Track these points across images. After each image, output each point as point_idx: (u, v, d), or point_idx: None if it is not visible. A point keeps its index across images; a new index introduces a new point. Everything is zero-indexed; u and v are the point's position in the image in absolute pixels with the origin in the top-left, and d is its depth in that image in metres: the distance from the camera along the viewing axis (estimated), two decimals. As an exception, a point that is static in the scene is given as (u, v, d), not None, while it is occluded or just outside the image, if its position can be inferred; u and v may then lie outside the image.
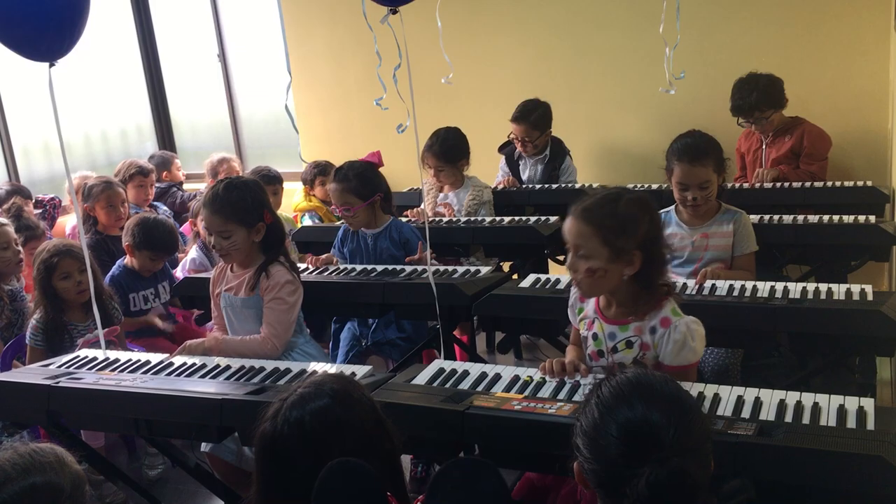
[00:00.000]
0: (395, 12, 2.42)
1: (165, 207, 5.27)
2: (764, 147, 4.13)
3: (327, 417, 1.57)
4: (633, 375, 1.38)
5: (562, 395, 2.05)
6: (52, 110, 2.71)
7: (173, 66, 6.71)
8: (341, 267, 3.43)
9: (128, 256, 3.88)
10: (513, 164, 4.70)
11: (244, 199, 2.82)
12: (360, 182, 3.41)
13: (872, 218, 3.26)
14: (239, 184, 2.87)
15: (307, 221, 5.16)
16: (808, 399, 1.89)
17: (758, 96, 3.96)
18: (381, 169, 3.55)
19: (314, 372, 2.40)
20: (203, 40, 6.42)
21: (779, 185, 3.96)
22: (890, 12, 4.06)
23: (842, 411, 1.82)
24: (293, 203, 5.28)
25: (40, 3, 2.54)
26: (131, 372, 2.57)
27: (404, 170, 4.83)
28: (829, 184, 3.86)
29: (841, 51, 4.28)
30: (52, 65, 2.67)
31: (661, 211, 3.17)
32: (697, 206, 2.99)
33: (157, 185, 5.50)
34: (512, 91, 4.75)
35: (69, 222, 5.14)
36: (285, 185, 4.94)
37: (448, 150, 4.11)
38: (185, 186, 5.89)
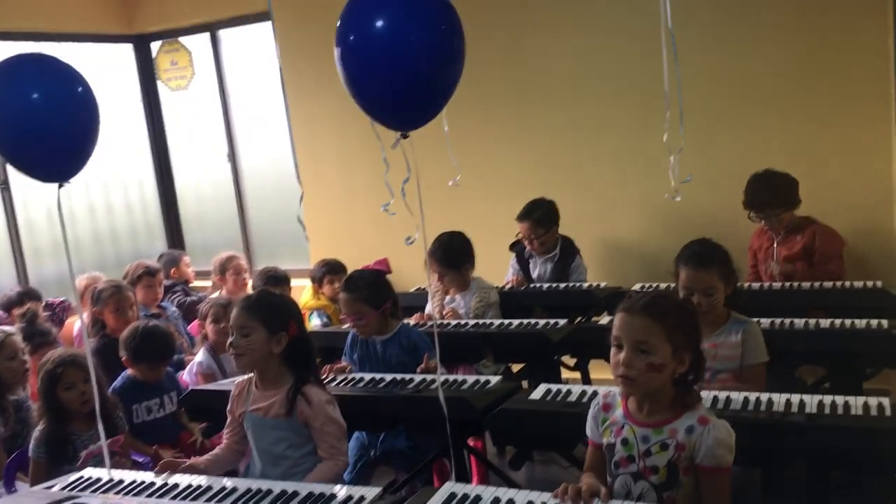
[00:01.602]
0: (405, 137, 2.46)
1: (174, 308, 5.28)
2: (775, 245, 4.13)
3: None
4: None
5: (577, 525, 1.99)
6: (61, 228, 2.74)
7: (183, 165, 6.82)
8: (349, 377, 3.40)
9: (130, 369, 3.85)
10: (523, 263, 4.73)
11: (275, 305, 2.87)
12: (370, 291, 3.44)
13: (885, 322, 3.23)
14: (275, 294, 3.03)
15: (315, 320, 5.16)
16: (831, 530, 1.84)
17: (771, 194, 4.00)
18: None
19: (322, 495, 2.35)
20: (213, 141, 6.55)
21: (787, 285, 3.95)
22: (891, 109, 4.13)
23: (867, 545, 1.76)
24: (301, 300, 5.29)
25: (50, 127, 2.59)
26: (136, 495, 2.52)
27: (411, 270, 4.84)
28: (839, 284, 3.84)
29: (846, 150, 4.34)
30: (61, 185, 2.70)
31: None
32: (703, 313, 2.98)
33: (167, 281, 5.55)
34: (518, 191, 4.81)
35: (77, 323, 5.14)
36: (294, 282, 4.95)
37: (451, 256, 4.15)
38: (195, 283, 5.92)
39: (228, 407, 2.97)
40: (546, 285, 4.51)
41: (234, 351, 2.85)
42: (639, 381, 2.11)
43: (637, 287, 4.30)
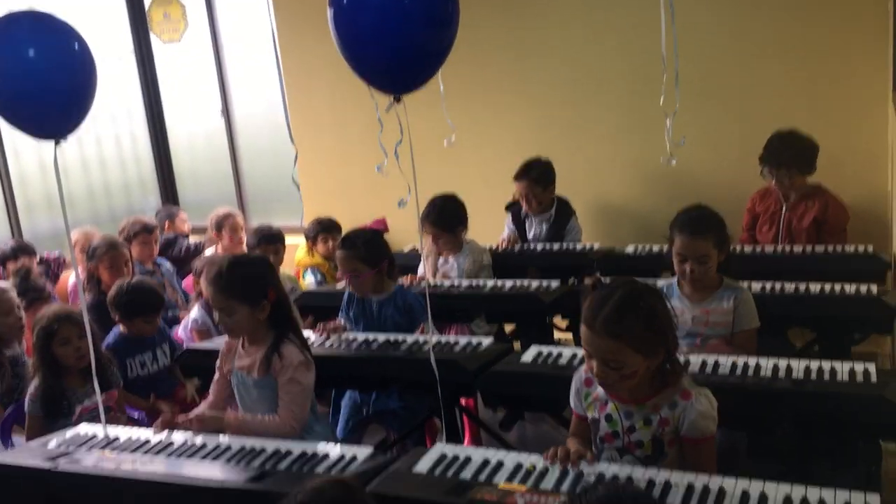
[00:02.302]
0: (398, 101, 2.44)
1: (169, 265, 5.28)
2: (784, 211, 4.11)
3: (328, 527, 1.56)
4: (605, 494, 1.39)
5: (565, 487, 2.03)
6: (57, 185, 2.73)
7: (177, 121, 6.77)
8: (342, 338, 3.42)
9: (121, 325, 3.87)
10: (519, 223, 4.73)
11: (248, 278, 2.82)
12: (367, 250, 3.45)
13: (874, 287, 3.25)
14: (244, 261, 2.88)
15: (309, 277, 5.17)
16: (813, 494, 1.88)
17: (793, 154, 3.96)
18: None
19: (314, 455, 2.39)
20: (207, 95, 6.49)
21: (780, 249, 3.96)
22: (887, 75, 4.10)
23: (848, 509, 1.81)
24: (295, 258, 5.30)
25: (46, 83, 2.57)
26: (132, 452, 2.56)
27: (405, 230, 4.85)
28: (831, 249, 3.86)
29: (841, 114, 4.31)
30: (57, 143, 2.69)
31: (663, 283, 3.18)
32: (695, 280, 3.01)
33: (164, 235, 5.57)
34: (514, 151, 4.79)
35: (72, 278, 5.14)
36: (288, 239, 4.95)
37: (444, 218, 4.15)
38: (190, 239, 5.92)
39: (218, 363, 3.00)
40: (540, 246, 4.52)
41: (224, 329, 2.89)
42: (616, 386, 2.15)
43: (630, 249, 4.32)
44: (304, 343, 2.92)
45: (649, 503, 1.39)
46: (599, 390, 2.25)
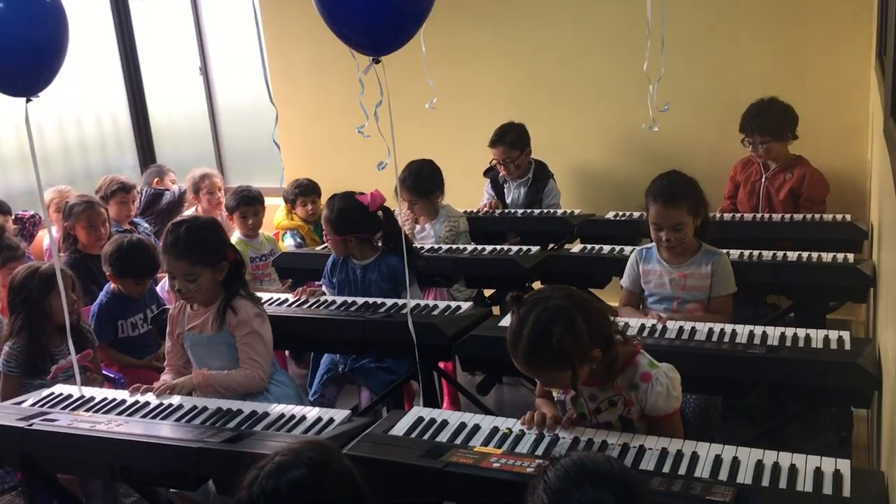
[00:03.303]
0: (377, 62, 2.41)
1: (146, 225, 5.23)
2: (763, 180, 4.12)
3: (304, 488, 1.56)
4: (578, 459, 1.42)
5: (540, 450, 2.05)
6: (29, 145, 2.68)
7: (155, 79, 6.65)
8: (322, 300, 3.41)
9: (112, 283, 3.83)
10: (498, 188, 4.72)
11: (207, 241, 2.80)
12: (337, 217, 3.47)
13: (851, 256, 3.27)
14: (199, 225, 2.84)
15: (288, 240, 5.14)
16: (785, 460, 1.90)
17: (770, 121, 3.96)
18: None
19: (292, 417, 2.39)
20: (185, 53, 6.38)
21: (759, 216, 3.98)
22: (871, 44, 4.10)
23: (818, 474, 1.83)
24: (274, 220, 5.26)
25: (17, 39, 2.51)
26: (106, 412, 2.55)
27: (385, 192, 4.80)
28: (809, 217, 3.88)
29: (823, 83, 4.31)
30: (29, 100, 2.64)
31: (644, 247, 3.19)
32: (671, 247, 3.02)
33: (151, 188, 5.52)
34: (495, 115, 4.76)
35: (47, 238, 5.08)
36: (267, 200, 4.91)
37: (421, 183, 4.13)
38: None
39: (168, 329, 2.98)
40: (520, 212, 4.51)
41: (183, 296, 2.84)
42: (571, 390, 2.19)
43: (610, 215, 4.32)
44: (254, 297, 2.94)
45: (618, 466, 1.40)
46: None
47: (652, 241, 3.15)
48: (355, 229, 3.47)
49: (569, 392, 2.22)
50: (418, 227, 4.26)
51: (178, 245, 2.76)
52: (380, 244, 3.54)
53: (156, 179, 5.67)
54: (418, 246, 4.05)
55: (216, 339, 2.84)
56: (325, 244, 4.14)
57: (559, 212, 4.43)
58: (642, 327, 2.79)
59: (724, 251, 3.17)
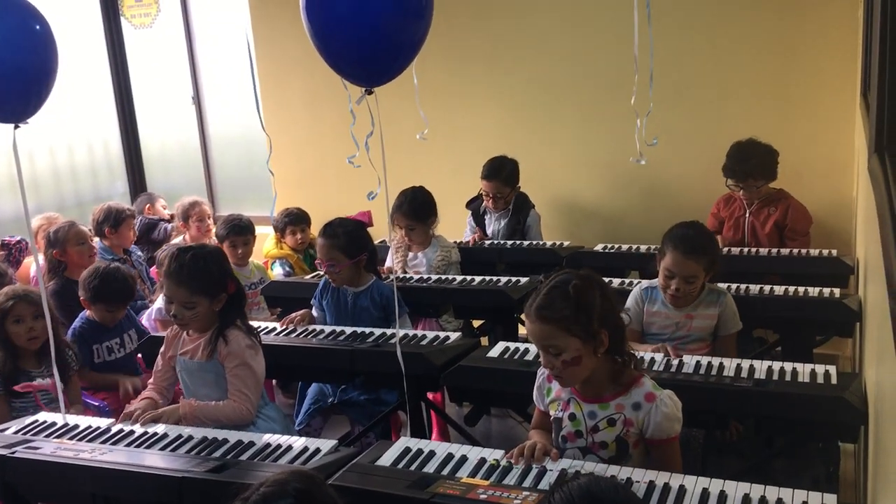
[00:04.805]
0: (370, 93, 2.43)
1: (140, 253, 5.22)
2: (747, 216, 4.16)
3: (289, 519, 1.55)
4: (585, 484, 1.41)
5: (528, 483, 2.04)
6: (17, 172, 2.68)
7: (147, 107, 6.68)
8: (310, 329, 3.40)
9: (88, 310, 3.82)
10: (478, 219, 4.76)
11: (210, 271, 2.80)
12: (347, 240, 3.45)
13: (837, 291, 3.30)
14: (205, 254, 2.84)
15: (277, 269, 5.13)
16: (772, 494, 1.89)
17: (755, 164, 4.00)
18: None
19: (278, 447, 2.38)
20: (178, 82, 6.42)
21: (747, 251, 4.01)
22: (856, 81, 4.16)
23: (805, 510, 1.83)
24: (264, 248, 5.25)
25: (5, 66, 2.51)
26: (90, 440, 2.52)
27: (375, 222, 4.82)
28: (796, 252, 3.91)
29: (809, 119, 4.37)
30: (17, 126, 2.64)
31: (648, 286, 3.17)
32: (677, 298, 3.01)
33: (145, 217, 5.56)
34: (484, 147, 4.79)
35: (34, 265, 5.05)
36: (257, 229, 4.91)
37: (418, 208, 4.14)
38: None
39: (161, 349, 2.98)
40: (510, 243, 4.53)
41: (178, 321, 2.84)
42: (565, 377, 2.15)
43: (599, 247, 4.34)
44: (250, 329, 2.92)
45: (623, 495, 1.39)
46: (563, 389, 2.25)
47: (652, 280, 3.12)
48: (365, 247, 3.49)
49: (567, 408, 2.21)
50: (411, 254, 4.26)
51: (181, 272, 2.76)
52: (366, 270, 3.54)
53: (147, 206, 5.67)
54: (409, 275, 4.06)
55: (205, 367, 2.83)
56: (315, 273, 4.14)
57: (548, 243, 4.45)
58: (641, 359, 2.77)
59: (725, 286, 3.17)
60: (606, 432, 2.15)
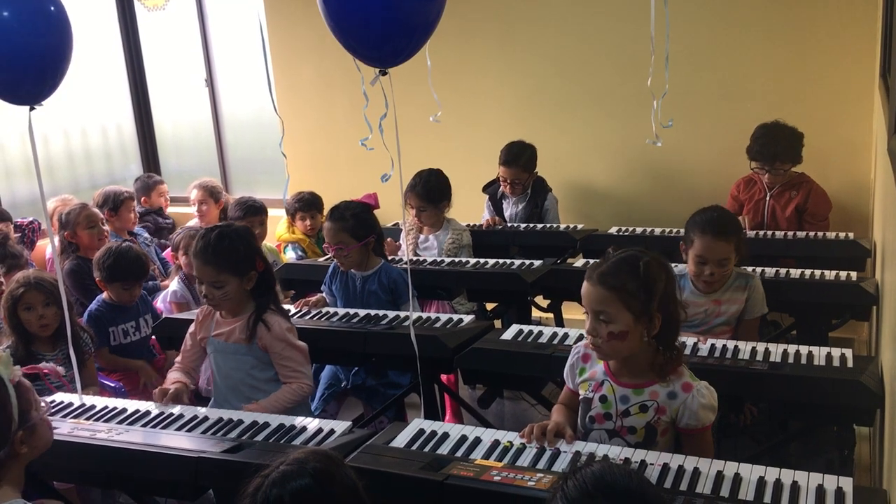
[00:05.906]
0: (384, 73, 2.41)
1: (147, 235, 5.23)
2: (768, 199, 4.13)
3: (307, 498, 1.56)
4: (598, 470, 1.40)
5: (542, 464, 2.04)
6: (32, 153, 2.69)
7: (160, 89, 6.69)
8: (323, 312, 3.41)
9: (104, 291, 3.84)
10: (496, 203, 4.73)
11: (237, 249, 2.78)
12: (355, 223, 3.43)
13: (854, 274, 3.27)
14: (231, 233, 2.82)
15: (290, 252, 5.14)
16: (787, 477, 1.89)
17: (783, 148, 3.96)
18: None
19: (293, 427, 2.39)
20: (191, 65, 6.41)
21: (762, 234, 3.98)
22: (874, 63, 4.11)
23: (820, 492, 1.82)
24: (276, 232, 5.26)
25: (21, 48, 2.52)
26: (107, 421, 2.54)
27: (387, 204, 4.81)
28: (812, 235, 3.88)
29: (827, 101, 4.32)
30: (32, 108, 2.64)
31: (677, 273, 3.14)
32: (712, 283, 2.98)
33: (142, 207, 5.55)
34: (498, 130, 4.78)
35: (49, 246, 5.08)
36: (270, 212, 4.92)
37: (431, 190, 4.12)
38: (170, 210, 5.87)
39: (190, 329, 2.98)
40: (523, 226, 4.52)
41: (210, 302, 2.84)
42: (605, 349, 2.13)
43: (613, 230, 4.32)
44: (283, 312, 2.93)
45: (637, 482, 1.38)
46: (598, 369, 2.23)
47: (682, 272, 3.08)
48: (373, 229, 3.48)
49: (599, 390, 2.20)
50: (422, 237, 4.26)
51: (206, 251, 2.76)
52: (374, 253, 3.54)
53: (143, 198, 5.63)
54: (421, 257, 4.06)
55: (242, 350, 2.82)
56: (328, 256, 4.15)
57: (562, 226, 4.43)
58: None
59: (752, 269, 3.15)
60: (637, 417, 2.13)
